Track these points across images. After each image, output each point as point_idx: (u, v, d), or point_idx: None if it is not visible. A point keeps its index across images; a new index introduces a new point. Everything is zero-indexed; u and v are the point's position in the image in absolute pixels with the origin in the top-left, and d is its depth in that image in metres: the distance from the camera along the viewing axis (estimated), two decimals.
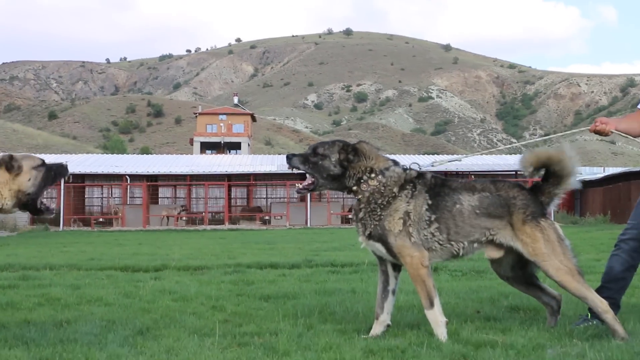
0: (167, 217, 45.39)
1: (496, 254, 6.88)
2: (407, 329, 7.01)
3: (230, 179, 48.92)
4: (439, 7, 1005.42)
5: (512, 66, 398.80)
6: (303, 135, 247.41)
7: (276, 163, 50.93)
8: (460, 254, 6.86)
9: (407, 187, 6.81)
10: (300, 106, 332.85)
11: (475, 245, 6.85)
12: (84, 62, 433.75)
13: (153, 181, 49.96)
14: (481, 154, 11.55)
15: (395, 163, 7.00)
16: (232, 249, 20.96)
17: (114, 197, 53.01)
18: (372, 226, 6.77)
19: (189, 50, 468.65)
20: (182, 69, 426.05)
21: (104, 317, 7.95)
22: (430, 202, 6.76)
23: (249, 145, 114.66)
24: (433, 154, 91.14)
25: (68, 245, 24.20)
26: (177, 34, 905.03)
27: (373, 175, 6.84)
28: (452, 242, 6.76)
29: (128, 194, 50.76)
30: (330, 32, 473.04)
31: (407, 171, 6.95)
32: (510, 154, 62.19)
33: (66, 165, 6.87)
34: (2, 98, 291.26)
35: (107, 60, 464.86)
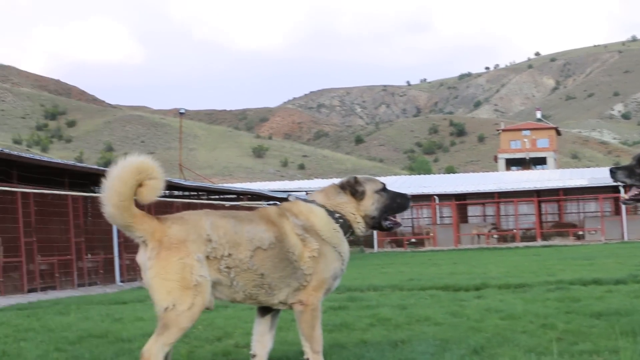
0: (478, 236, 45.34)
1: None
2: None
3: (539, 195, 48.13)
4: None
5: None
6: (611, 147, 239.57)
7: (587, 176, 49.51)
8: None
9: None
10: (607, 117, 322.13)
11: None
12: (385, 86, 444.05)
13: (461, 200, 50.11)
14: None
15: None
16: (549, 265, 20.63)
17: (423, 217, 53.65)
18: None
19: (487, 68, 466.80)
20: (482, 86, 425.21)
21: (436, 336, 8.04)
22: None
23: (554, 159, 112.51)
24: None
25: (385, 266, 24.79)
26: (475, 51, 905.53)
27: None
28: None
29: (437, 213, 51.17)
30: (634, 39, 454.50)
31: None
32: None
33: (409, 198, 6.81)
34: (311, 126, 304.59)
35: (408, 82, 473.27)
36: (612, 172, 6.71)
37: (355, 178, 6.51)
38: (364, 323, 9.50)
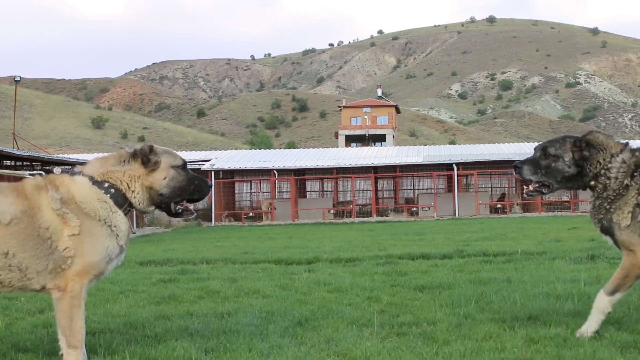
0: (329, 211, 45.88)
1: None
2: (569, 317, 6.88)
3: (376, 171, 48.96)
4: None
5: None
6: (448, 126, 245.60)
7: (422, 154, 50.65)
8: None
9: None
10: (444, 96, 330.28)
11: None
12: (229, 59, 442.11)
13: (300, 175, 50.49)
14: None
15: (627, 147, 6.31)
16: (382, 240, 21.01)
17: (263, 192, 53.82)
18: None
19: (331, 44, 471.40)
20: (325, 63, 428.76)
21: (263, 308, 8.11)
22: None
23: (393, 137, 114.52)
24: None
25: (221, 240, 24.73)
26: (319, 28, 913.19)
27: (611, 165, 6.18)
28: None
29: (276, 188, 51.41)
30: (473, 21, 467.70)
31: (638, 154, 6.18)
32: None
33: (211, 185, 6.14)
34: (153, 97, 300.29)
35: (252, 57, 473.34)
36: (517, 168, 6.38)
37: (152, 146, 5.82)
38: (193, 295, 9.50)
